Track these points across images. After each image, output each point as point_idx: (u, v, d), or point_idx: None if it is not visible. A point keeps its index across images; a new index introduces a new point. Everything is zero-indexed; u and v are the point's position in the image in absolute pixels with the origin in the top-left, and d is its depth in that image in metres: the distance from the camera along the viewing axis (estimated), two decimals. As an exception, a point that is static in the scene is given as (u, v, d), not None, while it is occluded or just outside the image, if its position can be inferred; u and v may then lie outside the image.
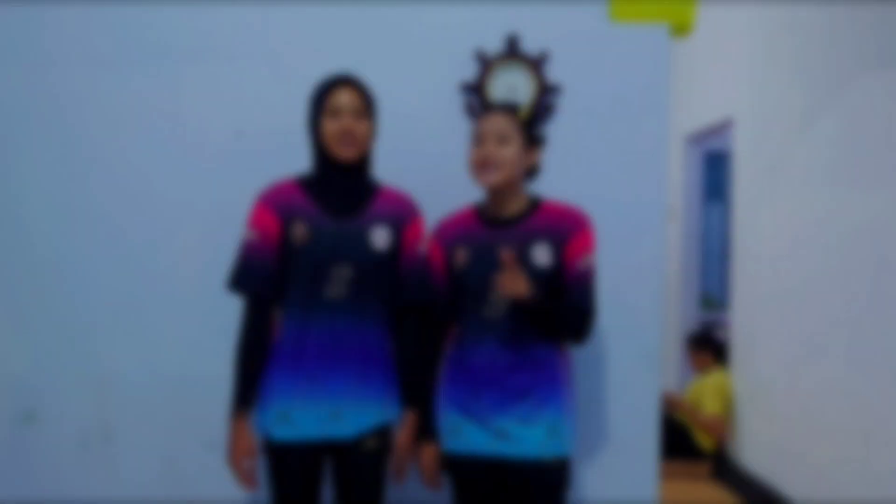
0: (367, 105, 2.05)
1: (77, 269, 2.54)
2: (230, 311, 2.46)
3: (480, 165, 2.04)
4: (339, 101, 2.01)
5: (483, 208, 2.14)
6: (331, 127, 2.01)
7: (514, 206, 2.09)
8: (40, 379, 2.55)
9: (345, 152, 2.02)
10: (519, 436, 2.01)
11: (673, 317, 5.45)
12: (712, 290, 6.81)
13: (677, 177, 5.46)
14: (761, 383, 4.25)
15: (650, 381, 2.53)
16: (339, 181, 2.07)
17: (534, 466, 2.01)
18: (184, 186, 2.53)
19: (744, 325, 4.53)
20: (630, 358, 2.53)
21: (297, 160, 2.33)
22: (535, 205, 2.11)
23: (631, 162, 2.53)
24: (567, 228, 2.05)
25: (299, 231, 2.03)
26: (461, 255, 2.09)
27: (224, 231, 2.49)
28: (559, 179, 2.42)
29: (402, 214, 2.12)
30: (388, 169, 2.21)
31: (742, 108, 4.56)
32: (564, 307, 2.03)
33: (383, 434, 2.09)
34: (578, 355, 2.44)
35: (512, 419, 2.01)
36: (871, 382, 3.21)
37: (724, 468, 4.61)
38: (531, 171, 2.15)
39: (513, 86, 2.49)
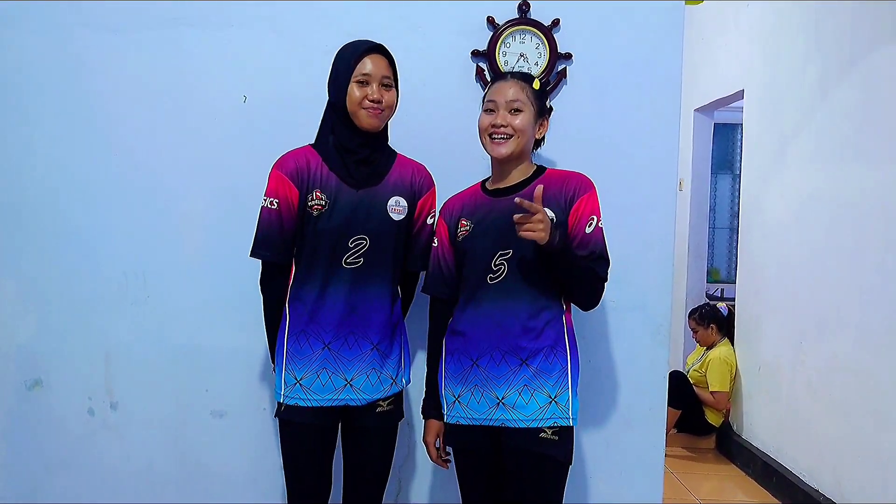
0: (394, 73, 2.06)
1: (83, 239, 2.51)
2: (236, 280, 2.47)
3: (491, 134, 2.01)
4: (368, 68, 2.01)
5: (487, 180, 2.12)
6: (359, 93, 2.00)
7: (517, 176, 2.06)
8: (47, 348, 2.54)
9: (372, 123, 2.02)
10: (520, 404, 1.97)
11: (679, 290, 5.42)
12: (719, 264, 6.79)
13: (686, 148, 5.41)
14: (767, 358, 4.24)
15: (659, 354, 2.51)
16: (360, 150, 2.06)
17: (534, 435, 1.97)
18: (190, 154, 2.49)
19: (749, 300, 4.51)
20: (639, 332, 2.50)
21: (304, 126, 2.31)
22: (538, 173, 2.07)
23: (642, 132, 2.49)
24: (571, 191, 2.00)
25: (318, 200, 2.03)
26: (463, 228, 2.06)
27: (230, 200, 2.48)
28: (568, 149, 2.39)
29: (418, 185, 2.13)
30: (399, 137, 2.18)
31: (753, 79, 4.50)
32: (585, 264, 1.98)
33: (396, 399, 2.14)
34: (587, 328, 2.43)
35: (513, 387, 1.98)
36: (879, 359, 3.19)
37: (728, 443, 4.62)
38: (538, 143, 2.11)
39: (524, 52, 2.44)
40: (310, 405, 2.04)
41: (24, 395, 2.55)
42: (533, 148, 2.10)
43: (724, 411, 4.63)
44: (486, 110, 2.02)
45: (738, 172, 6.61)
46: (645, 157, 2.48)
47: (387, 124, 2.11)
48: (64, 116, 2.50)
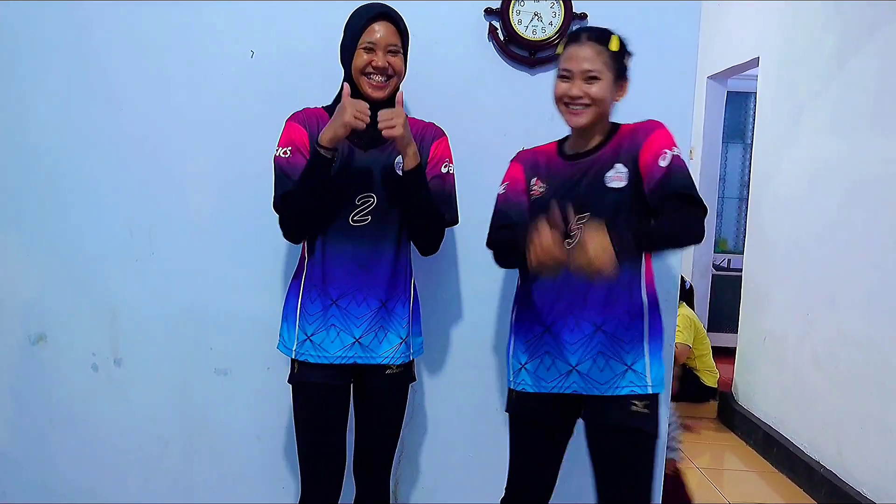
0: (402, 41, 2.02)
1: (88, 195, 2.49)
2: (241, 238, 2.45)
3: (567, 104, 1.90)
4: (375, 35, 1.97)
5: (563, 142, 2.03)
6: (365, 58, 1.97)
7: (594, 140, 1.95)
8: (51, 303, 2.53)
9: (374, 94, 1.99)
10: (594, 372, 1.90)
11: (686, 260, 5.40)
12: (727, 234, 6.75)
13: (698, 116, 5.35)
14: (772, 329, 4.23)
15: (666, 323, 2.48)
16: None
17: (624, 408, 1.89)
18: (195, 110, 2.46)
19: (757, 270, 4.49)
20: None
21: (310, 82, 2.28)
22: (613, 132, 1.96)
23: (656, 97, 2.42)
24: (639, 138, 1.89)
25: None
26: (537, 186, 1.98)
27: (236, 157, 2.45)
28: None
29: (429, 137, 2.09)
30: (411, 96, 2.13)
31: (769, 46, 4.43)
32: (669, 218, 1.82)
33: (407, 364, 2.12)
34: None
35: (587, 355, 1.90)
36: (886, 332, 3.18)
37: (729, 412, 4.63)
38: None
39: (538, 11, 2.39)
40: (319, 362, 2.04)
41: (28, 350, 2.55)
42: None
43: (717, 375, 4.64)
44: (562, 77, 1.92)
45: (749, 142, 6.55)
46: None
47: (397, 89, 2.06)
48: (68, 71, 2.46)
